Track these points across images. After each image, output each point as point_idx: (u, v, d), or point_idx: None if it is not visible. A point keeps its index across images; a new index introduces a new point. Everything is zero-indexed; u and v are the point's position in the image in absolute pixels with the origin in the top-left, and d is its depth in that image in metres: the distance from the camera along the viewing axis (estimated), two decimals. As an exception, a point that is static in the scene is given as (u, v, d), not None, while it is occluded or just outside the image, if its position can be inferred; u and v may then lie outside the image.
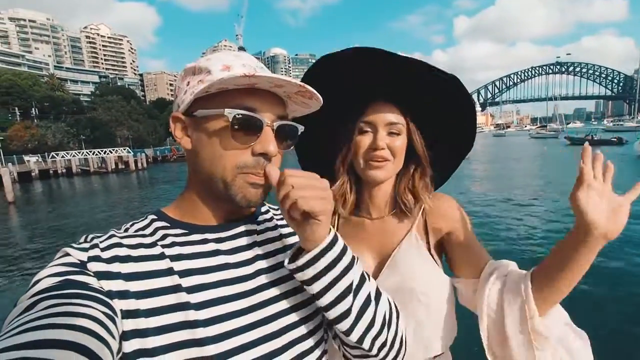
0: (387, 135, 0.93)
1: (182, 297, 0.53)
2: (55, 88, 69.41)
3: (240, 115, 0.56)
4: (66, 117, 60.56)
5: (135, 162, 42.94)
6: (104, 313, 0.44)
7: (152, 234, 0.60)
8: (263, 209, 0.75)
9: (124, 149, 45.50)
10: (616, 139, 36.01)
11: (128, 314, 0.49)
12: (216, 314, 0.55)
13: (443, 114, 0.95)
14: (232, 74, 0.53)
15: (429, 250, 0.95)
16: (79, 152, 42.48)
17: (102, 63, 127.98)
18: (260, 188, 0.60)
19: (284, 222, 0.74)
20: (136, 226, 0.62)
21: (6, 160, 35.11)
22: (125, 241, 0.56)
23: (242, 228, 0.66)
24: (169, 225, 0.62)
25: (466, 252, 0.93)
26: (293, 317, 0.62)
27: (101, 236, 0.57)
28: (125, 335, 0.48)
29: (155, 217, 0.63)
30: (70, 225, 13.02)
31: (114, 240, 0.56)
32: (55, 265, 0.49)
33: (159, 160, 53.39)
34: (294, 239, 0.71)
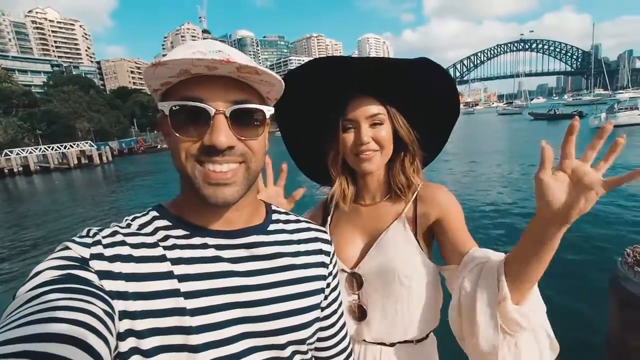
0: (370, 127, 0.94)
1: (180, 302, 0.53)
2: (1, 79, 63.52)
3: (177, 107, 0.54)
4: (17, 111, 55.73)
5: (100, 155, 41.04)
6: (104, 311, 0.44)
7: (153, 233, 0.58)
8: (274, 217, 0.72)
9: (86, 143, 42.99)
10: (577, 112, 37.97)
11: (126, 315, 0.49)
12: (210, 321, 0.54)
13: (423, 94, 0.96)
14: (146, 68, 0.51)
15: (415, 235, 0.97)
16: (36, 148, 39.41)
17: (54, 51, 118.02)
18: (225, 187, 0.56)
19: (294, 236, 0.71)
20: (138, 222, 0.60)
21: (-48, 160, 32.26)
22: (129, 239, 0.55)
23: (247, 239, 0.63)
24: (170, 224, 0.60)
25: (452, 239, 0.93)
26: (286, 338, 0.61)
27: (103, 230, 0.56)
28: (121, 335, 0.48)
29: (157, 214, 0.62)
30: (32, 226, 12.12)
31: (118, 237, 0.55)
32: (56, 258, 0.48)
33: (125, 152, 51.06)
34: (306, 259, 0.69)
